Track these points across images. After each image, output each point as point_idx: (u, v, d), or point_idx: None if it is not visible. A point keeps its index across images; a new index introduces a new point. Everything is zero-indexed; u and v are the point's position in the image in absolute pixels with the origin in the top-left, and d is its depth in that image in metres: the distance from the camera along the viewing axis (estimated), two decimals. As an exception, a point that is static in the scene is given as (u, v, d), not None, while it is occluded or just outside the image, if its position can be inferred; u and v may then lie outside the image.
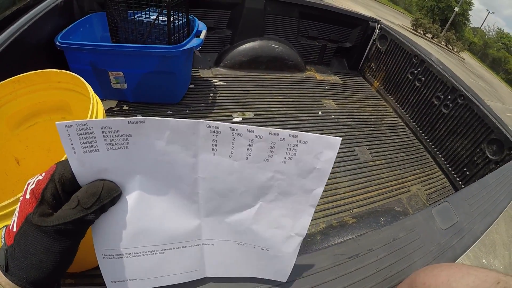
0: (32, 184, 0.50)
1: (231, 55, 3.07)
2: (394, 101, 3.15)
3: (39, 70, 1.25)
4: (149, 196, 0.55)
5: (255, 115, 2.58)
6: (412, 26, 30.86)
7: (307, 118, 2.70)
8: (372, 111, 3.06)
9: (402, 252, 0.95)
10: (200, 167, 0.55)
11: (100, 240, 0.56)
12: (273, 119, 2.58)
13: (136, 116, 2.28)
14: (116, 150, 0.50)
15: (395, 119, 3.05)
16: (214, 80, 2.89)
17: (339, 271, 0.84)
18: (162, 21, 2.16)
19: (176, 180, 0.56)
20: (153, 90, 2.36)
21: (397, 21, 30.11)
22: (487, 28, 64.65)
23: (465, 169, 2.39)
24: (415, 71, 2.89)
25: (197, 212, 0.60)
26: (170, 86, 2.38)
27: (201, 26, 2.41)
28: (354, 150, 2.46)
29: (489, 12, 61.35)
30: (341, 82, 3.39)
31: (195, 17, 2.48)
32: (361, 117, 2.92)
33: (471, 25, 56.08)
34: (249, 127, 0.53)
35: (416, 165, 2.55)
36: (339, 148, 0.56)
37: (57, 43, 2.02)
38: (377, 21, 3.38)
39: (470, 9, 45.80)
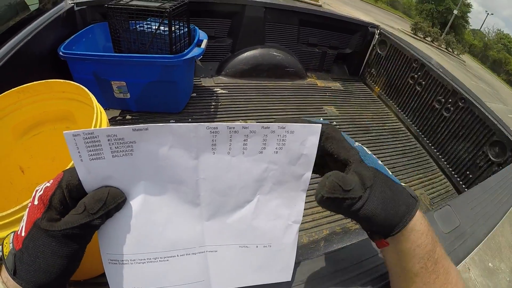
0: (40, 191, 0.51)
1: (232, 64, 3.10)
2: (395, 106, 3.15)
3: (43, 80, 1.26)
4: (152, 201, 0.57)
5: (256, 123, 2.56)
6: (411, 30, 30.88)
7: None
8: (374, 117, 3.06)
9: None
10: (201, 168, 0.57)
11: (106, 244, 0.57)
12: (275, 127, 2.56)
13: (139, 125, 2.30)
14: (121, 157, 0.52)
15: (397, 124, 3.05)
16: (215, 89, 2.90)
17: (341, 276, 0.84)
18: (164, 31, 2.17)
19: (179, 184, 0.57)
20: (155, 99, 2.37)
21: (397, 26, 30.16)
22: (487, 29, 64.81)
23: (468, 172, 2.39)
24: (416, 76, 2.90)
25: (199, 216, 0.61)
26: (172, 95, 2.40)
27: (202, 35, 2.44)
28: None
29: (488, 14, 61.46)
30: (342, 88, 3.40)
31: (196, 27, 2.50)
32: (363, 122, 2.93)
33: (471, 27, 56.06)
34: (244, 124, 0.55)
35: (418, 170, 2.55)
36: None
37: (60, 53, 2.04)
38: (377, 27, 3.40)
39: (469, 11, 45.71)
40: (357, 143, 0.61)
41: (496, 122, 2.21)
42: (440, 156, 2.63)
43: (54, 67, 2.10)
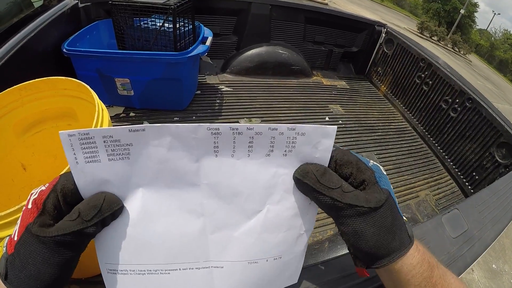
0: (35, 194, 0.50)
1: (238, 61, 3.08)
2: (401, 105, 3.13)
3: (45, 78, 1.25)
4: (151, 209, 0.54)
5: (262, 121, 2.58)
6: (418, 29, 30.71)
7: (314, 124, 2.66)
8: (380, 116, 3.04)
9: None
10: (203, 172, 0.55)
11: (104, 254, 0.55)
12: (280, 125, 2.55)
13: (142, 123, 2.34)
14: (118, 161, 0.50)
15: (403, 123, 3.03)
16: (220, 86, 2.89)
17: (347, 282, 0.82)
18: (168, 28, 2.16)
19: (179, 190, 0.55)
20: (159, 96, 2.37)
21: (403, 25, 30.02)
22: (493, 29, 64.40)
23: (474, 174, 2.36)
24: (422, 75, 2.87)
25: (202, 228, 0.58)
26: (177, 93, 2.39)
27: (207, 32, 2.42)
28: (362, 156, 2.40)
29: (495, 14, 61.09)
30: (348, 87, 3.38)
31: (201, 24, 2.48)
32: (369, 122, 2.91)
33: (477, 27, 55.77)
34: (248, 125, 0.53)
35: (424, 170, 2.52)
36: None
37: (64, 50, 2.04)
38: (383, 25, 3.37)
39: (475, 11, 45.38)
40: (372, 162, 0.59)
41: (503, 123, 2.18)
42: (446, 157, 2.61)
43: (58, 64, 2.09)
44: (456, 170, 2.51)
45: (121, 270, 0.56)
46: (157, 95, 2.35)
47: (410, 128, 2.99)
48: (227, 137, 0.53)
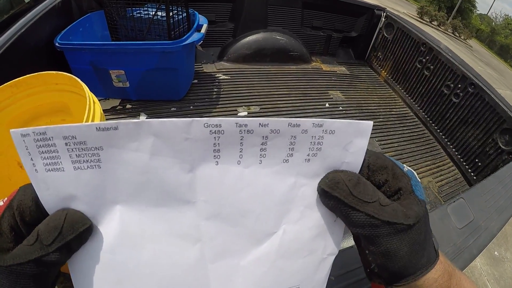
0: None
1: (235, 49, 3.04)
2: (402, 90, 3.09)
3: (36, 73, 1.24)
4: (133, 232, 0.42)
5: (260, 108, 2.55)
6: (417, 14, 30.47)
7: (314, 110, 2.67)
8: (381, 102, 3.01)
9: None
10: (199, 186, 0.41)
11: (79, 282, 0.43)
12: (279, 112, 2.55)
13: (139, 115, 2.33)
14: (86, 170, 0.38)
15: (404, 109, 3.00)
16: (218, 75, 2.86)
17: (351, 278, 0.80)
18: (162, 16, 2.13)
19: (168, 209, 0.42)
20: (155, 87, 2.34)
21: (402, 9, 29.64)
22: (494, 14, 63.84)
23: (477, 160, 2.34)
24: (424, 60, 2.83)
25: (200, 256, 0.45)
26: (173, 83, 2.36)
27: (201, 20, 2.38)
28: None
29: (495, -2, 60.84)
30: (348, 73, 3.34)
31: (195, 11, 2.44)
32: (370, 108, 2.88)
33: (478, 12, 55.34)
34: (261, 119, 0.39)
35: (427, 157, 2.50)
36: None
37: (57, 44, 2.01)
38: (383, 9, 3.33)
39: (476, -4, 45.20)
40: (406, 167, 0.47)
41: (506, 109, 2.15)
42: (449, 143, 2.58)
43: (51, 58, 2.06)
44: (459, 156, 2.48)
45: None
46: (153, 86, 2.32)
47: (411, 114, 2.96)
48: (232, 136, 0.40)
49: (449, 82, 2.58)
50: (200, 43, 2.22)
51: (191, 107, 2.44)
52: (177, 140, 0.38)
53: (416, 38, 2.91)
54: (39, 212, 0.39)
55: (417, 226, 0.42)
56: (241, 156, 0.41)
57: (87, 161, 0.38)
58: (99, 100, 1.26)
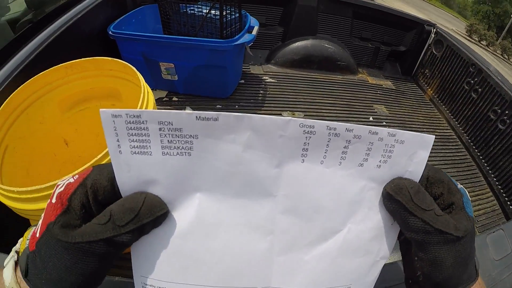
0: (61, 187, 0.40)
1: (283, 53, 3.04)
2: (447, 111, 2.99)
3: (91, 57, 1.28)
4: (209, 221, 0.44)
5: (304, 115, 2.54)
6: (466, 32, 30.04)
7: (358, 123, 2.61)
8: (425, 121, 2.93)
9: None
10: (283, 181, 0.43)
11: (140, 265, 0.45)
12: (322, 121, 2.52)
13: (185, 108, 2.35)
14: (175, 156, 0.39)
15: (448, 131, 2.90)
16: (264, 77, 2.86)
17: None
18: (215, 15, 2.15)
19: (248, 201, 0.44)
20: (203, 83, 2.37)
21: (451, 26, 29.27)
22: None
23: (518, 193, 2.24)
24: (472, 81, 2.73)
25: (269, 247, 0.46)
26: (221, 80, 2.38)
27: (253, 21, 2.40)
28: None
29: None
30: (394, 88, 3.28)
31: (247, 13, 2.46)
32: (413, 126, 2.81)
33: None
34: (348, 125, 0.41)
35: (466, 183, 2.41)
36: None
37: (110, 32, 2.08)
38: (433, 25, 3.23)
39: (528, 16, 44.03)
40: (459, 185, 0.50)
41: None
42: (490, 172, 2.47)
43: (103, 46, 2.13)
44: (499, 187, 2.37)
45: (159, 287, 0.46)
46: (201, 82, 2.35)
47: (455, 136, 2.85)
48: (321, 138, 0.42)
49: (496, 107, 2.48)
50: (250, 44, 2.22)
51: (236, 106, 2.46)
52: (272, 136, 0.41)
53: (466, 58, 2.81)
54: (113, 192, 0.40)
55: (464, 240, 0.45)
56: (324, 157, 0.43)
57: (178, 147, 0.39)
58: (147, 90, 1.29)
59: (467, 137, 2.72)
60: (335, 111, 2.68)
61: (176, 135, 0.38)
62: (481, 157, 2.56)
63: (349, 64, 3.20)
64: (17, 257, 0.44)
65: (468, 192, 0.50)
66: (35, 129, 1.26)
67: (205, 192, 0.42)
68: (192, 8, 2.22)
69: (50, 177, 1.31)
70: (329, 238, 0.48)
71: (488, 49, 29.16)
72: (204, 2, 2.18)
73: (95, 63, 1.28)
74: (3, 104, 1.13)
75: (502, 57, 29.28)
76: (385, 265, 0.58)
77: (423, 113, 3.02)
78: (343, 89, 2.99)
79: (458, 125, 2.84)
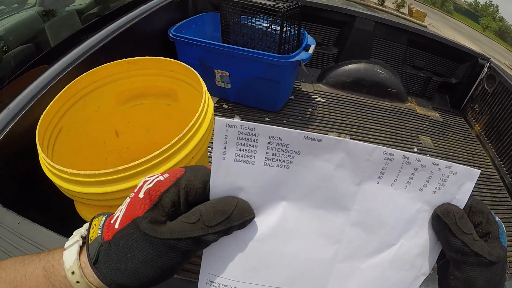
0: (149, 183, 0.44)
1: (335, 74, 3.04)
2: (493, 150, 2.88)
3: (154, 57, 1.32)
4: (289, 228, 0.49)
5: (350, 138, 2.50)
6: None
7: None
8: (469, 158, 2.85)
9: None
10: (359, 198, 0.49)
11: (210, 262, 0.48)
12: (367, 147, 2.50)
13: (234, 117, 2.37)
14: (274, 167, 0.44)
15: (491, 170, 2.78)
16: (314, 96, 2.87)
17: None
18: (274, 30, 2.18)
19: (326, 212, 0.49)
20: (255, 94, 2.40)
21: (504, 60, 28.50)
22: None
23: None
24: (523, 121, 2.65)
25: (334, 255, 0.52)
26: (273, 94, 2.41)
27: (310, 40, 2.42)
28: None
29: None
30: (441, 120, 3.20)
31: (305, 31, 2.48)
32: (457, 162, 2.70)
33: None
34: (417, 156, 0.48)
35: (505, 227, 2.31)
36: None
37: (170, 35, 2.16)
38: (487, 59, 3.12)
39: None
40: (497, 218, 0.56)
41: None
42: (530, 219, 2.37)
43: (162, 46, 2.22)
44: None
45: (224, 285, 0.50)
46: (253, 93, 2.39)
47: (498, 177, 2.73)
48: (397, 164, 0.48)
49: (544, 152, 2.40)
50: (306, 62, 2.24)
51: (284, 121, 2.47)
52: (360, 159, 0.46)
53: (518, 96, 2.73)
54: (204, 194, 0.44)
55: (496, 266, 0.50)
56: (395, 180, 0.49)
57: (280, 160, 0.44)
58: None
59: (511, 179, 2.63)
60: (380, 138, 2.66)
61: (281, 149, 0.43)
62: (522, 202, 2.47)
63: (399, 92, 3.16)
64: (82, 242, 0.46)
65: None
66: (90, 116, 1.31)
67: (290, 202, 0.47)
68: (252, 20, 2.26)
69: (97, 163, 1.38)
70: (384, 250, 0.54)
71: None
72: (265, 16, 2.20)
73: (157, 62, 1.32)
74: (64, 89, 1.18)
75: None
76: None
77: (468, 149, 2.94)
78: (390, 116, 2.95)
79: (503, 166, 2.73)
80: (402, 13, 29.20)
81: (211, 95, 1.98)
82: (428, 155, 2.51)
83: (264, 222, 0.47)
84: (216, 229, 0.41)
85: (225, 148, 0.41)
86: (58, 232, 0.84)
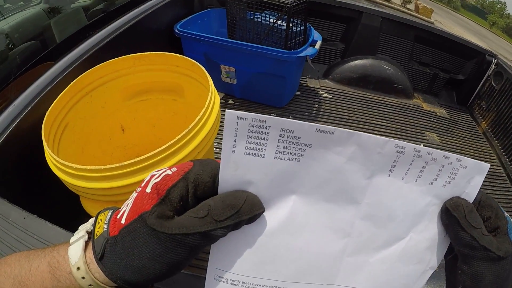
0: (156, 177, 0.43)
1: (341, 70, 3.03)
2: (500, 147, 2.87)
3: (160, 52, 1.31)
4: (298, 222, 0.48)
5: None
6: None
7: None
8: (475, 154, 2.83)
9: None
10: (370, 191, 0.48)
11: (217, 257, 0.48)
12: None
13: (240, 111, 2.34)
14: (285, 161, 0.43)
15: (498, 168, 2.78)
16: (320, 92, 2.87)
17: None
18: (280, 25, 2.18)
19: (336, 206, 0.48)
20: (261, 90, 2.40)
21: (511, 57, 28.32)
22: None
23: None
24: (529, 118, 2.63)
25: (343, 248, 0.51)
26: (278, 90, 2.41)
27: (316, 36, 2.41)
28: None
29: None
30: (448, 117, 3.18)
31: (311, 27, 2.48)
32: None
33: None
34: (428, 149, 0.47)
35: None
36: None
37: (176, 30, 2.16)
38: (494, 56, 3.10)
39: None
40: (506, 213, 0.55)
41: None
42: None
43: (168, 42, 2.22)
44: None
45: (232, 280, 0.49)
46: (259, 89, 2.39)
47: (504, 174, 2.73)
48: (408, 158, 0.47)
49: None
50: (312, 58, 2.23)
51: (290, 117, 2.46)
52: (372, 152, 0.45)
53: (525, 93, 2.70)
54: (212, 188, 0.43)
55: (504, 261, 0.50)
56: (406, 174, 0.48)
57: (290, 153, 0.43)
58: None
59: (517, 177, 2.61)
60: (386, 134, 2.64)
61: (293, 142, 0.42)
62: (529, 200, 2.45)
63: (405, 88, 3.15)
64: (88, 238, 0.46)
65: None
66: (96, 111, 1.32)
67: (300, 195, 0.46)
68: (259, 16, 2.26)
69: (103, 158, 1.39)
70: (393, 244, 0.53)
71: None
72: (271, 12, 2.20)
73: (164, 57, 1.32)
74: (70, 85, 1.18)
75: None
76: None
77: (474, 146, 2.93)
78: (397, 112, 2.94)
79: (509, 163, 2.72)
80: (408, 9, 29.08)
81: (216, 91, 1.99)
82: (434, 152, 2.50)
83: (273, 216, 0.46)
84: (225, 224, 0.40)
85: (235, 141, 0.40)
86: (64, 228, 0.84)
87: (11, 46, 1.68)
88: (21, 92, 1.24)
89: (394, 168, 0.48)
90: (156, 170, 0.45)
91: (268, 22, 2.21)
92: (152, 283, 0.44)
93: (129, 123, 1.44)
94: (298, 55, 2.11)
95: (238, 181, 0.43)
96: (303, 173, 0.45)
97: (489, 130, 3.00)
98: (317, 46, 2.26)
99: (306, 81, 2.93)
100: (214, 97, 1.10)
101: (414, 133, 2.78)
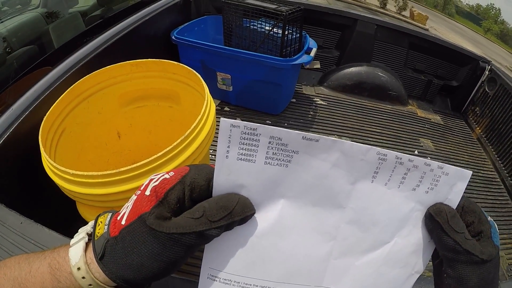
0: (155, 181, 0.46)
1: (336, 77, 3.05)
2: (494, 153, 2.88)
3: (157, 59, 1.33)
4: (286, 224, 0.51)
5: (351, 141, 2.51)
6: (521, 69, 29.07)
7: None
8: (470, 160, 2.85)
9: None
10: (354, 196, 0.51)
11: (211, 257, 0.51)
12: (368, 149, 2.50)
13: (236, 119, 2.34)
14: (274, 166, 0.46)
15: (492, 173, 2.78)
16: (315, 99, 2.88)
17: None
18: (276, 33, 2.19)
19: (322, 209, 0.52)
20: (256, 97, 2.42)
21: (505, 62, 28.29)
22: None
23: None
24: (523, 124, 2.65)
25: (329, 252, 0.55)
26: (274, 97, 2.43)
27: (311, 43, 2.42)
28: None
29: None
30: (442, 123, 3.19)
31: (307, 34, 2.49)
32: (457, 164, 2.62)
33: None
34: (410, 156, 0.50)
35: (504, 229, 2.30)
36: None
37: (173, 37, 2.17)
38: (488, 62, 3.12)
39: None
40: (489, 218, 0.57)
41: None
42: (531, 221, 2.37)
43: (164, 49, 2.24)
44: None
45: (224, 279, 0.52)
46: (255, 96, 2.40)
47: (498, 179, 2.73)
48: (390, 164, 0.50)
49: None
50: (307, 66, 2.26)
51: (286, 124, 2.48)
52: (355, 159, 0.48)
53: (518, 99, 2.72)
54: (207, 191, 0.46)
55: (488, 264, 0.51)
56: (389, 180, 0.51)
57: (279, 159, 0.46)
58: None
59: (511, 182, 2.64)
60: (381, 140, 2.67)
61: (281, 149, 0.45)
62: (523, 205, 2.47)
63: (400, 95, 3.17)
64: (88, 239, 0.48)
65: (506, 239, 0.57)
66: (92, 117, 1.32)
67: (289, 199, 0.50)
68: (255, 23, 2.27)
69: (99, 164, 1.40)
70: (378, 248, 0.56)
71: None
72: (267, 20, 2.22)
73: (160, 64, 1.33)
74: (67, 90, 1.19)
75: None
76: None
77: (469, 152, 2.94)
78: (391, 119, 2.96)
79: (504, 168, 2.73)
80: (404, 16, 29.14)
81: (212, 97, 2.00)
82: (428, 158, 2.51)
83: (263, 218, 0.50)
84: (218, 224, 0.43)
85: (228, 147, 0.44)
86: (60, 233, 0.85)
87: (9, 50, 1.70)
88: (19, 97, 1.25)
89: (377, 174, 0.50)
90: (154, 174, 0.47)
91: (264, 30, 2.23)
92: (150, 282, 0.47)
93: (125, 130, 1.45)
94: (294, 63, 2.13)
95: (231, 184, 0.46)
96: (291, 178, 0.48)
97: (483, 136, 3.01)
98: (312, 53, 2.28)
99: (302, 88, 2.94)
100: (210, 104, 1.11)
101: (408, 139, 2.80)
